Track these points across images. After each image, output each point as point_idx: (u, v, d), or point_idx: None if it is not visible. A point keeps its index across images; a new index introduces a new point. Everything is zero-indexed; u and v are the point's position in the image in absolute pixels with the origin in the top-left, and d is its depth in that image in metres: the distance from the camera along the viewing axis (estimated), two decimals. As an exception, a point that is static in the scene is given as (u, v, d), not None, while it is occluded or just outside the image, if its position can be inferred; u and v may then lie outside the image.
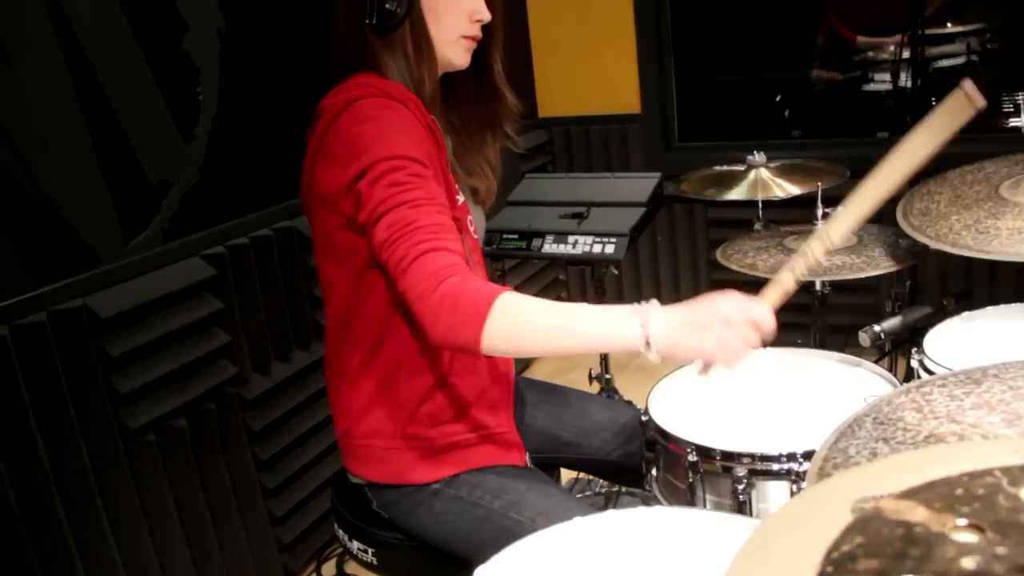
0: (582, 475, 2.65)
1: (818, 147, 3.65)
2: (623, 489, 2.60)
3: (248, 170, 2.57)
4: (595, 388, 2.74)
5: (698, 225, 3.99)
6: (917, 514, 0.74)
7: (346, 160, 1.47)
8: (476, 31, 1.64)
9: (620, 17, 3.81)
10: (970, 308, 1.81)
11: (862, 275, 1.91)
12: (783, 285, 1.35)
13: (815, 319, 2.20)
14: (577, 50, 3.94)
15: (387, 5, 1.54)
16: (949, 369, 1.54)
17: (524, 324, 1.34)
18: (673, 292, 4.12)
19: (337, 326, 1.66)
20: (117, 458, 2.15)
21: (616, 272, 2.38)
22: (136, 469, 2.21)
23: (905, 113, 3.51)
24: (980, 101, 1.23)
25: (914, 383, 1.33)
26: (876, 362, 1.77)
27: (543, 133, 4.07)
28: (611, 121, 3.97)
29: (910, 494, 0.78)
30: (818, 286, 2.11)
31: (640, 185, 2.52)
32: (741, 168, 2.31)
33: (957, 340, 1.72)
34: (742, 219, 2.56)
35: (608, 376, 2.70)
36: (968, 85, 1.23)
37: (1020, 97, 3.55)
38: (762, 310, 1.30)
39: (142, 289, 2.24)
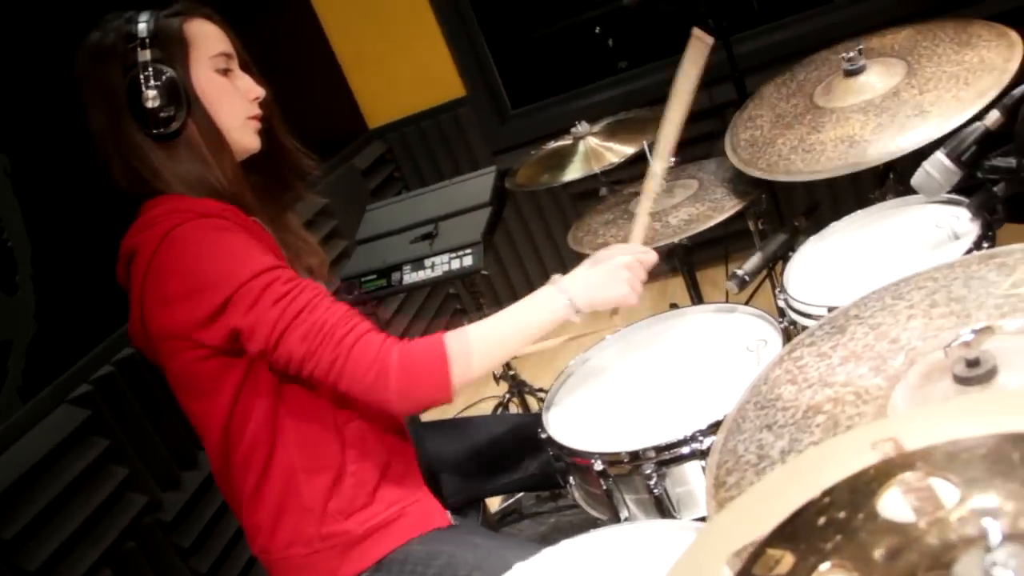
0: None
1: (651, 72, 3.62)
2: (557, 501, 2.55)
3: (88, 297, 2.40)
4: (502, 388, 2.68)
5: (547, 209, 3.93)
6: (786, 563, 0.68)
7: (190, 295, 1.38)
8: (258, 109, 1.57)
9: (416, 7, 3.67)
10: (819, 222, 1.77)
11: (711, 223, 1.85)
12: (642, 223, 1.66)
13: (684, 276, 2.15)
14: (385, 53, 3.79)
15: (162, 112, 1.43)
16: (812, 306, 1.50)
17: (480, 350, 1.43)
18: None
19: (221, 456, 1.57)
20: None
21: (486, 273, 2.29)
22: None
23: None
24: (708, 39, 1.62)
25: (785, 349, 1.27)
26: (748, 301, 1.73)
27: (379, 144, 3.93)
28: (441, 112, 3.85)
29: (778, 537, 0.72)
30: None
31: (480, 185, 2.43)
32: (568, 142, 2.23)
33: (814, 268, 1.68)
34: (590, 189, 2.48)
35: (512, 372, 2.63)
36: (696, 31, 1.62)
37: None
38: (644, 249, 1.58)
39: (17, 458, 2.08)
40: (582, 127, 2.15)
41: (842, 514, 0.72)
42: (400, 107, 3.88)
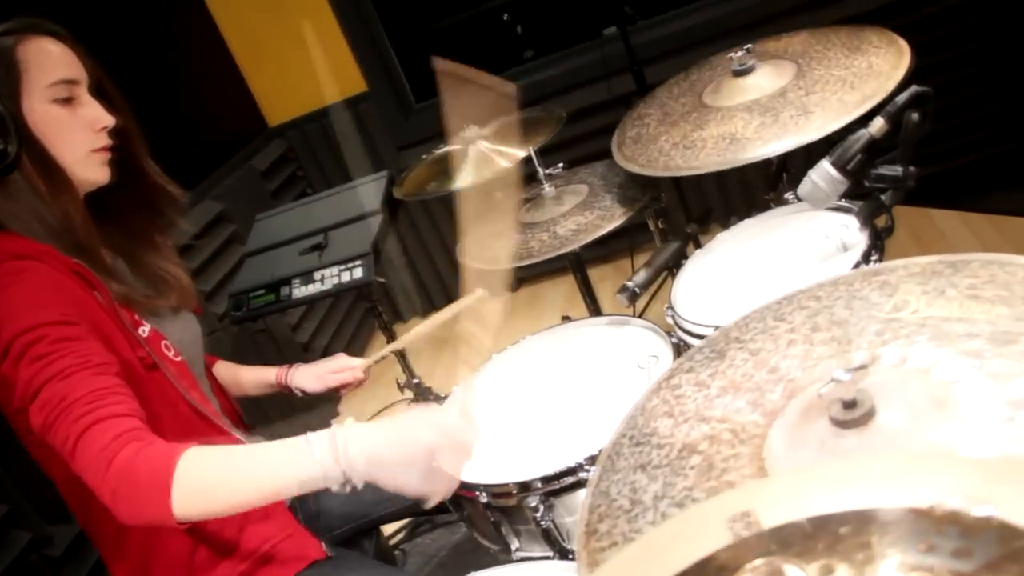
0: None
1: (558, 62, 3.52)
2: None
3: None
4: (407, 395, 2.58)
5: (440, 217, 3.82)
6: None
7: None
8: (105, 140, 1.41)
9: (312, 1, 3.51)
10: (723, 223, 1.69)
11: (599, 233, 1.77)
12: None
13: (579, 285, 2.07)
14: (283, 49, 3.61)
15: None
16: (699, 325, 1.42)
17: (214, 483, 1.17)
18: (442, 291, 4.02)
19: (76, 510, 1.44)
20: None
21: (383, 281, 2.19)
22: None
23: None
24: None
25: (662, 377, 1.19)
26: (642, 314, 1.65)
27: (281, 143, 3.76)
28: (348, 107, 3.68)
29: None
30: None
31: (370, 191, 2.31)
32: (458, 147, 2.12)
33: (702, 282, 1.61)
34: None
35: (416, 380, 2.52)
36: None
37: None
38: (468, 431, 1.24)
39: None
40: (471, 131, 2.05)
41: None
42: (300, 104, 3.71)
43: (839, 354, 1.06)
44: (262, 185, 3.49)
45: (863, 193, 1.43)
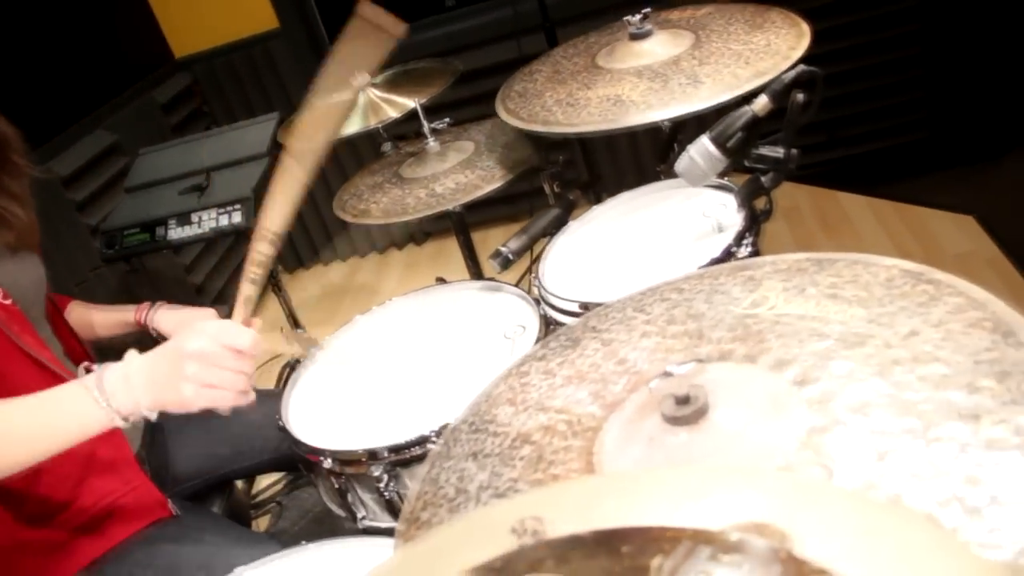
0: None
1: (478, 13, 3.37)
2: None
3: None
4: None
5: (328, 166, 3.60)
6: None
7: None
8: None
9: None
10: (601, 193, 1.61)
11: (478, 194, 1.67)
12: (246, 297, 1.21)
13: (460, 245, 1.96)
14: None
15: None
16: (565, 300, 1.34)
17: None
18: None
19: None
20: None
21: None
22: None
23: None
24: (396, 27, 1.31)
25: (514, 364, 1.10)
26: (518, 283, 1.56)
27: (185, 75, 3.55)
28: (252, 44, 3.48)
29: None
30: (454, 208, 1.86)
31: (259, 133, 2.17)
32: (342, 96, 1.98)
33: (573, 256, 1.53)
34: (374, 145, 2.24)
35: (301, 329, 2.41)
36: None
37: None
38: (239, 332, 1.15)
39: None
40: (361, 78, 1.91)
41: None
42: (209, 36, 3.50)
43: (688, 348, 0.99)
44: (162, 119, 3.30)
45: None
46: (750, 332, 0.96)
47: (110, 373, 1.14)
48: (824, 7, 3.12)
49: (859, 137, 3.42)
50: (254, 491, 2.54)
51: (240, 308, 1.20)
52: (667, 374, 0.83)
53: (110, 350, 1.51)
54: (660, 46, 1.59)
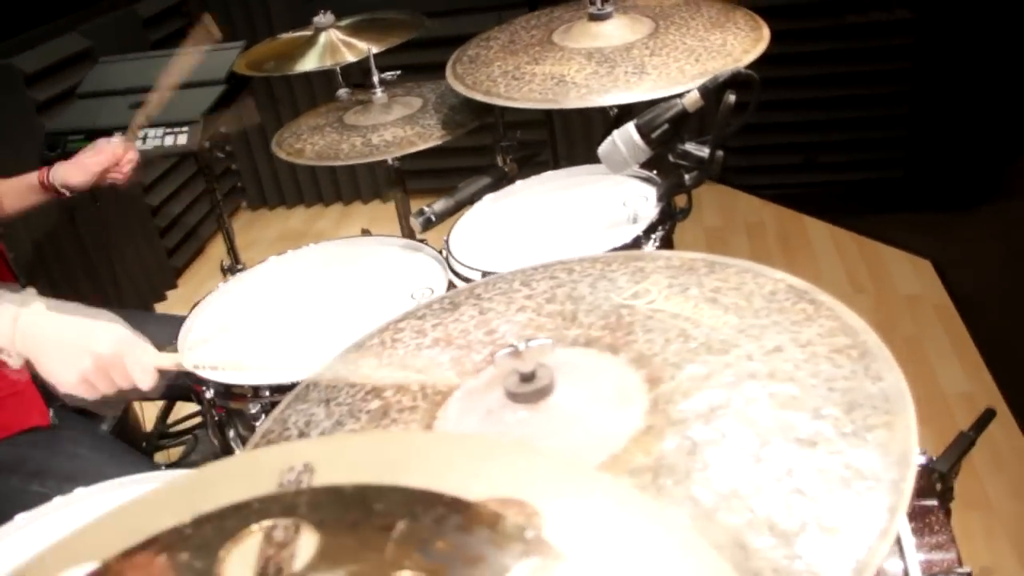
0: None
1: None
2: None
3: None
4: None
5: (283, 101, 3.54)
6: None
7: None
8: None
9: None
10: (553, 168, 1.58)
11: (411, 150, 1.63)
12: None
13: (396, 201, 1.92)
14: None
15: None
16: (466, 267, 1.31)
17: None
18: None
19: None
20: None
21: (223, 156, 2.00)
22: None
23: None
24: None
25: (393, 319, 1.07)
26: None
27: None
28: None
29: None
30: (390, 161, 1.81)
31: (220, 59, 2.11)
32: (308, 33, 1.93)
33: (485, 226, 1.51)
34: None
35: (240, 266, 2.36)
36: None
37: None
38: (146, 366, 1.14)
39: None
40: (325, 18, 1.87)
41: (184, 556, 0.54)
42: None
43: (558, 329, 0.96)
44: (142, 34, 3.21)
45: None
46: (621, 323, 0.93)
47: (7, 313, 1.11)
48: (823, 29, 3.09)
49: (835, 165, 3.40)
50: (171, 420, 2.51)
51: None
52: (514, 348, 0.79)
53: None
54: (617, 30, 1.55)
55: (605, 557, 0.49)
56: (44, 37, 2.79)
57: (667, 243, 1.30)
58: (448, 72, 1.59)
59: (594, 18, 1.57)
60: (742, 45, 1.45)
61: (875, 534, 0.63)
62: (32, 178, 1.72)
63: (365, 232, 1.66)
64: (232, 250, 2.38)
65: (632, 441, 0.76)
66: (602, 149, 1.26)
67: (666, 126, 1.21)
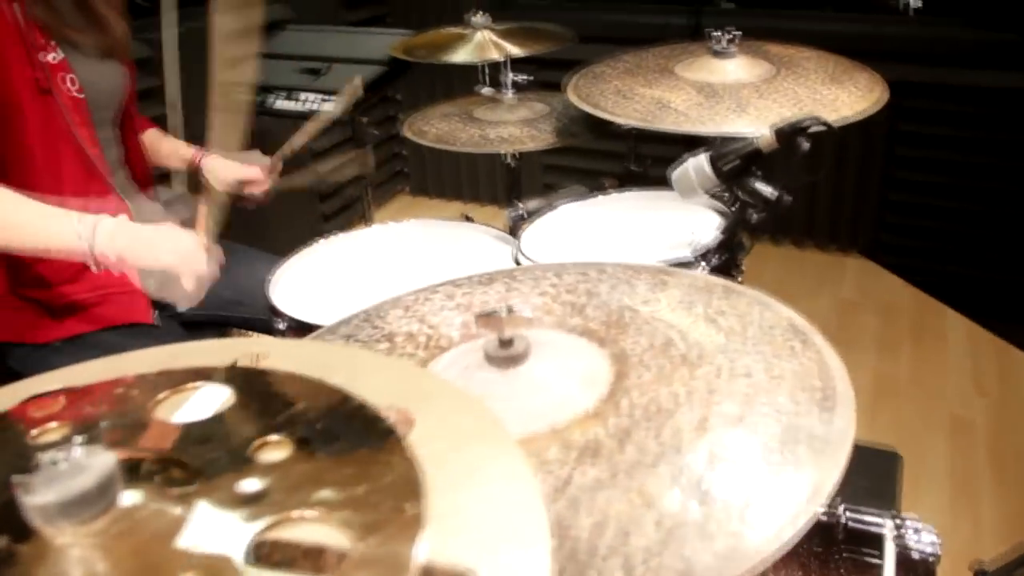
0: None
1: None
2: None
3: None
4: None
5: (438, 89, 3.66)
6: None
7: None
8: None
9: None
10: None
11: (522, 148, 1.73)
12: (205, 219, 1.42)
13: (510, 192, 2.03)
14: None
15: None
16: (528, 259, 1.38)
17: None
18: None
19: None
20: None
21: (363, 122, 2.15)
22: None
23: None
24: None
25: (441, 282, 1.16)
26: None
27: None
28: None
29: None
30: (508, 159, 1.93)
31: (383, 42, 2.28)
32: (463, 31, 2.06)
33: (558, 227, 1.59)
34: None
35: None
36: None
37: None
38: (197, 278, 1.36)
39: None
40: (480, 18, 2.00)
41: (135, 391, 0.67)
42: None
43: (562, 317, 1.02)
44: (342, 12, 3.45)
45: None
46: (620, 322, 0.98)
47: (102, 225, 1.31)
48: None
49: (987, 260, 3.24)
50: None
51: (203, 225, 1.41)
52: (495, 312, 0.87)
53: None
54: (736, 69, 1.59)
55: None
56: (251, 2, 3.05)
57: (723, 273, 1.33)
58: (569, 82, 1.68)
59: (716, 54, 1.61)
60: (852, 103, 1.46)
61: (729, 566, 0.65)
62: (186, 153, 1.86)
63: (467, 218, 1.76)
64: (366, 218, 2.54)
65: (575, 420, 0.81)
66: (674, 173, 1.31)
67: (737, 161, 1.25)
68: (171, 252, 1.34)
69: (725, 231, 1.32)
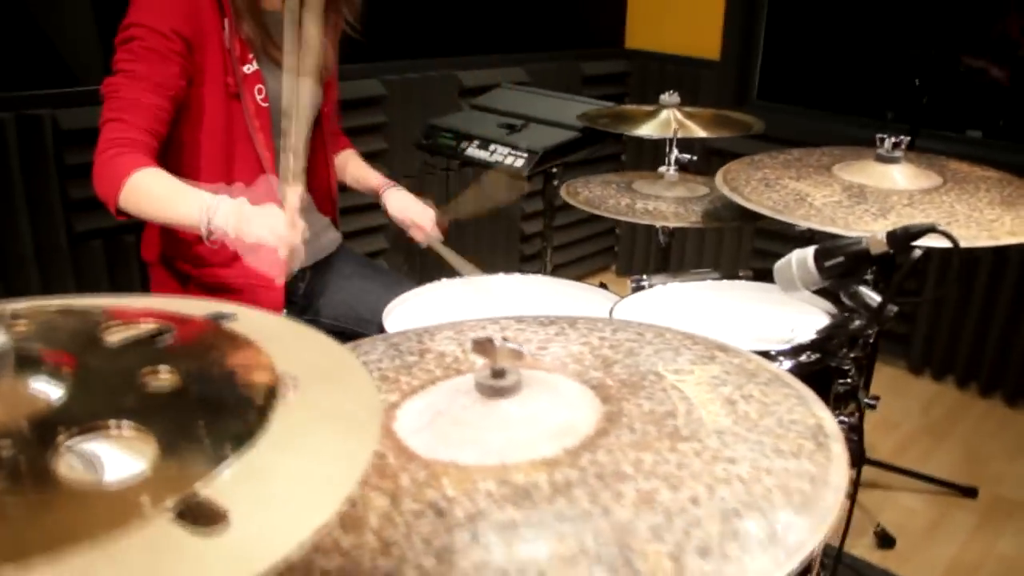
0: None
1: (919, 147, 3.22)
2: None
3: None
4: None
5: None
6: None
7: None
8: None
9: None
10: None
11: (663, 223, 1.70)
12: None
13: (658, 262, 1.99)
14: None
15: None
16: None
17: (145, 198, 1.50)
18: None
19: None
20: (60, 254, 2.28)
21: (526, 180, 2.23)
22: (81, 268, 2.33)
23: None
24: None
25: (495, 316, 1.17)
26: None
27: (624, 63, 3.81)
28: (690, 64, 3.63)
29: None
30: (661, 237, 1.91)
31: (576, 108, 2.34)
32: (651, 108, 2.07)
33: (664, 296, 1.57)
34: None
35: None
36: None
37: None
38: (289, 236, 1.48)
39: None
40: (671, 98, 2.00)
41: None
42: (657, 40, 3.73)
43: (586, 369, 0.99)
44: (580, 86, 3.56)
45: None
46: (637, 384, 0.95)
47: (223, 205, 1.47)
48: None
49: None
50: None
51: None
52: (489, 339, 0.87)
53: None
54: (896, 175, 1.48)
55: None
56: (493, 64, 3.25)
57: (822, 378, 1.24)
58: (726, 167, 1.64)
59: (880, 159, 1.52)
60: (1013, 227, 1.32)
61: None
62: (372, 181, 2.01)
63: (602, 286, 1.75)
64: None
65: (527, 463, 0.79)
66: (778, 264, 1.24)
67: (841, 258, 1.16)
68: (266, 227, 1.47)
69: (822, 332, 1.23)
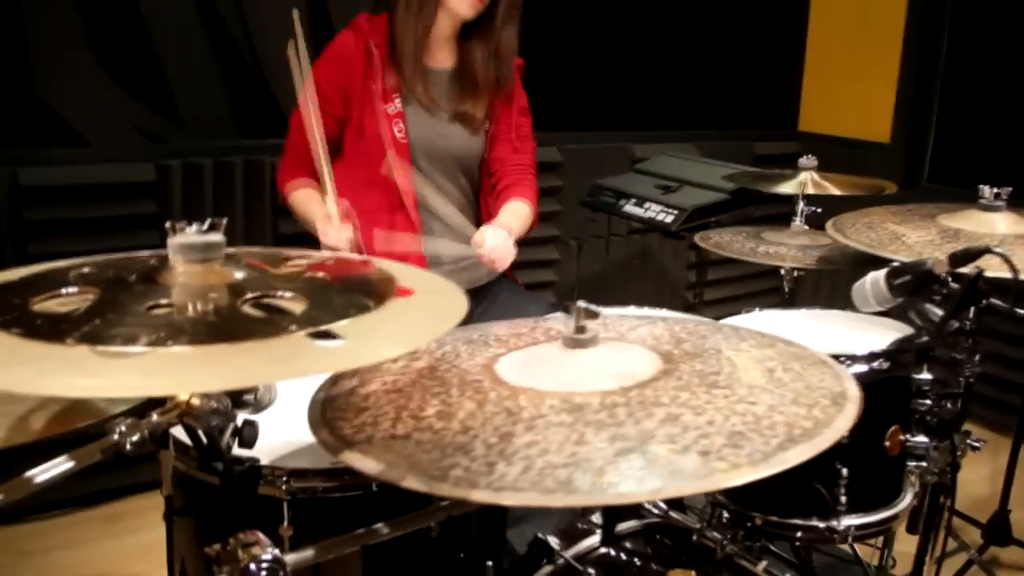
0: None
1: None
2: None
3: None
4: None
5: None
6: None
7: None
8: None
9: (889, 42, 3.59)
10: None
11: (777, 264, 1.89)
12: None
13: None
14: (844, 71, 3.79)
15: None
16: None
17: (293, 207, 2.03)
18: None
19: None
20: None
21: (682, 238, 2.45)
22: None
23: None
24: None
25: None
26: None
27: (796, 145, 3.94)
28: (861, 146, 3.73)
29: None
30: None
31: (726, 172, 2.55)
32: (788, 172, 2.24)
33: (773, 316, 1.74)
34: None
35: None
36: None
37: None
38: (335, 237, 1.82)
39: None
40: (809, 161, 2.18)
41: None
42: (829, 123, 3.88)
43: (659, 344, 1.19)
44: (752, 163, 3.71)
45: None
46: (697, 353, 1.15)
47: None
48: None
49: None
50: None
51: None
52: (577, 307, 1.10)
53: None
54: (996, 222, 1.59)
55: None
56: (666, 139, 3.50)
57: (890, 393, 1.38)
58: (838, 216, 1.79)
59: (983, 208, 1.63)
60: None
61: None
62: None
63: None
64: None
65: (590, 391, 1.02)
66: (856, 284, 1.40)
67: (908, 277, 1.31)
68: (323, 233, 1.84)
69: (895, 343, 1.38)
